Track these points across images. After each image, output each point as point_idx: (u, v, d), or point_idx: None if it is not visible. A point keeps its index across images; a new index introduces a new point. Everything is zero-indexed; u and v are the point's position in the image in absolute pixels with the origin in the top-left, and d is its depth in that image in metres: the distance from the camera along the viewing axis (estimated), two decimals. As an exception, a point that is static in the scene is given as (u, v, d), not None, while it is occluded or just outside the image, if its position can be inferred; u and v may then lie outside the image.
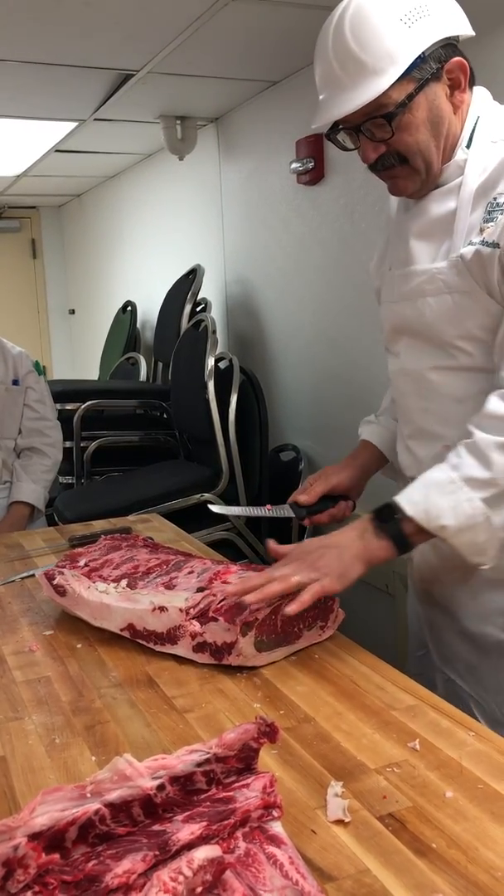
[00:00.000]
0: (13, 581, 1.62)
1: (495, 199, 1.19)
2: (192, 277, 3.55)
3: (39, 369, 2.55)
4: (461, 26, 1.21)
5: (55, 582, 1.38)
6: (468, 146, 1.24)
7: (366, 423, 1.59)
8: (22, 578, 1.63)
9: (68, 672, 1.21)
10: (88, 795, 0.74)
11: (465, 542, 1.15)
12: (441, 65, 1.19)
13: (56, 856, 0.69)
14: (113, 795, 0.74)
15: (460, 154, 1.24)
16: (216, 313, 3.59)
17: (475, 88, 1.27)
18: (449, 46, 1.20)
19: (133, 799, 0.75)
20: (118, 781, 0.76)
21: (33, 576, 1.63)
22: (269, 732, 0.83)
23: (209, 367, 2.98)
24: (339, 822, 0.82)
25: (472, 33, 1.23)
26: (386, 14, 1.15)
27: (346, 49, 1.18)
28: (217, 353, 3.06)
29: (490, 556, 1.17)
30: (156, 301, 3.98)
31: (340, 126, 1.25)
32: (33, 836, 0.69)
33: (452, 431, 1.24)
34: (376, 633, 2.70)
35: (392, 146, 1.22)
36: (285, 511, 1.47)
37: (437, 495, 1.14)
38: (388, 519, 1.17)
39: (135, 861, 0.69)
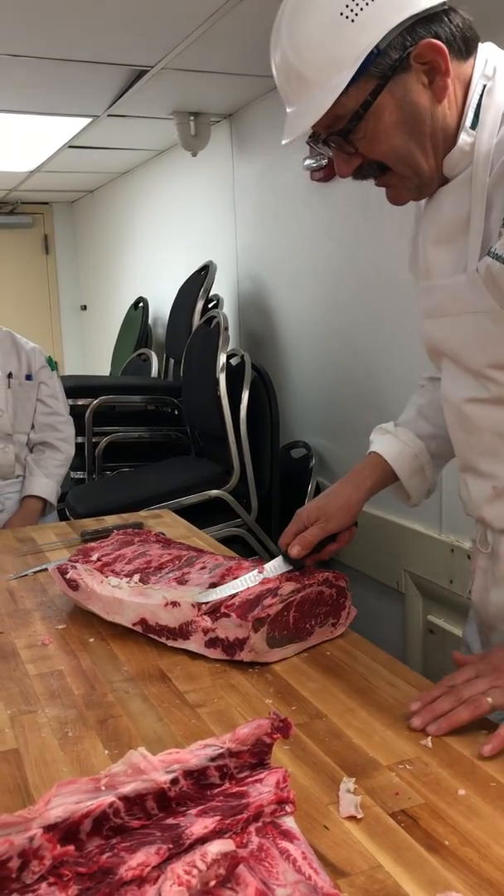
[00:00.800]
0: (26, 575, 1.63)
1: None
2: (204, 274, 3.55)
3: (52, 365, 2.56)
4: None
5: (68, 576, 1.39)
6: (474, 126, 1.00)
7: (380, 432, 1.34)
8: (35, 573, 1.64)
9: (81, 666, 1.21)
10: (103, 788, 0.75)
11: None
12: (406, 52, 0.95)
13: (71, 847, 0.70)
14: (127, 788, 0.75)
15: (464, 138, 1.00)
16: (228, 310, 3.59)
17: (480, 48, 1.02)
18: (419, 25, 0.96)
19: (147, 792, 0.76)
20: (132, 775, 0.76)
21: (46, 570, 1.64)
22: (282, 728, 0.83)
23: (221, 364, 2.98)
24: (352, 818, 0.83)
25: None
26: (323, 11, 0.95)
27: (286, 61, 1.00)
28: (229, 349, 3.06)
29: None
30: (168, 297, 3.98)
31: (312, 136, 1.05)
32: (48, 828, 0.70)
33: (501, 469, 1.10)
34: (386, 631, 2.70)
35: (367, 157, 1.03)
36: (279, 568, 1.26)
37: None
38: None
39: (149, 854, 0.69)
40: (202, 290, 3.50)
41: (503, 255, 0.95)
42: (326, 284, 2.98)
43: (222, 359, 2.99)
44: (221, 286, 3.63)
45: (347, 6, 0.93)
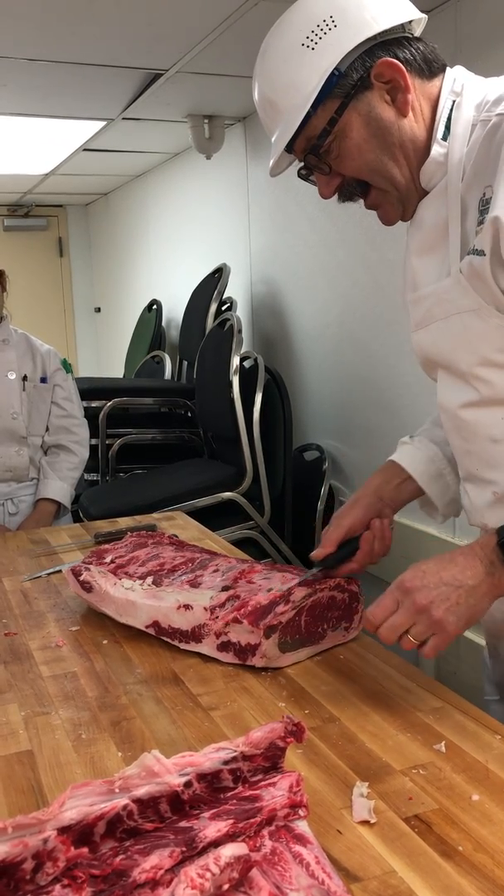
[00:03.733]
0: (40, 577, 1.64)
1: (484, 193, 1.01)
2: (217, 276, 3.56)
3: (67, 367, 2.57)
4: (388, 19, 1.04)
5: (82, 578, 1.39)
6: (445, 138, 1.06)
7: (399, 444, 1.36)
8: (48, 574, 1.65)
9: (94, 668, 1.22)
10: (117, 791, 0.75)
11: None
12: (366, 72, 1.04)
13: (85, 850, 0.70)
14: (141, 791, 0.75)
15: (437, 149, 1.06)
16: (241, 312, 3.59)
17: (448, 72, 1.09)
18: (379, 48, 1.05)
19: (161, 795, 0.76)
20: (146, 777, 0.76)
21: (60, 572, 1.64)
22: (295, 732, 0.83)
23: (234, 366, 2.98)
24: (365, 822, 0.82)
25: (410, 18, 1.06)
26: (287, 45, 1.06)
27: (261, 93, 1.11)
28: (242, 352, 3.06)
29: None
30: (181, 300, 3.99)
31: (301, 166, 1.13)
32: (62, 830, 0.70)
33: (500, 475, 1.11)
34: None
35: (345, 175, 1.10)
36: (311, 574, 1.25)
37: None
38: None
39: (162, 857, 0.69)
40: (216, 292, 3.51)
41: (483, 249, 0.99)
42: (340, 287, 2.97)
43: (236, 361, 2.99)
44: (235, 289, 3.64)
45: (307, 37, 1.04)
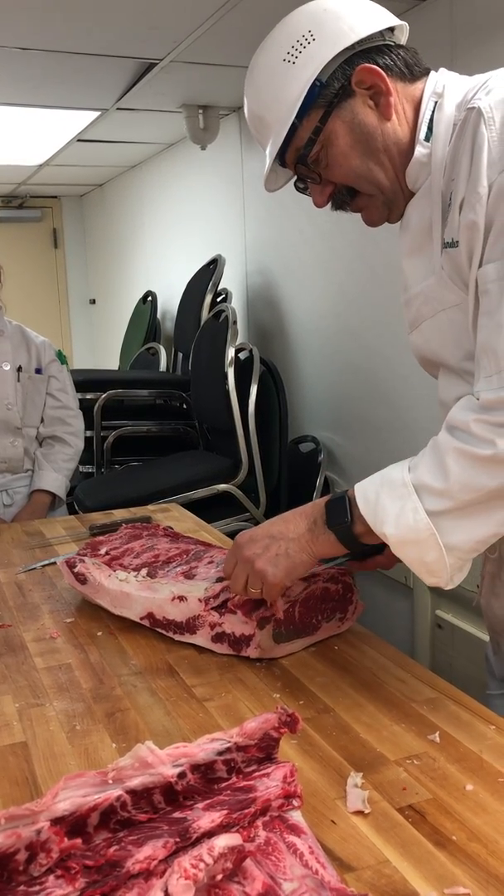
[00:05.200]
0: (34, 569, 1.64)
1: (449, 187, 1.04)
2: (213, 267, 3.55)
3: (62, 358, 2.56)
4: (364, 28, 1.08)
5: (76, 570, 1.39)
6: (428, 138, 1.08)
7: None
8: (43, 566, 1.65)
9: (89, 659, 1.21)
10: (110, 782, 0.75)
11: (412, 557, 1.00)
12: (347, 80, 1.07)
13: (78, 841, 0.70)
14: (134, 782, 0.75)
15: (420, 150, 1.09)
16: (237, 304, 3.58)
17: (432, 74, 1.12)
18: (358, 56, 1.08)
19: (154, 786, 0.76)
20: (140, 768, 0.76)
21: (54, 563, 1.64)
22: (289, 722, 0.83)
23: (229, 358, 2.98)
24: (359, 812, 0.83)
25: (388, 26, 1.10)
26: (271, 61, 1.10)
27: (250, 110, 1.15)
28: (237, 343, 3.05)
29: (444, 578, 1.00)
30: (176, 291, 3.98)
31: (297, 179, 1.18)
32: (56, 821, 0.70)
33: None
34: (395, 626, 2.70)
35: (336, 182, 1.13)
36: (338, 563, 1.22)
37: (387, 497, 1.00)
38: (343, 519, 1.04)
39: (156, 847, 0.69)
40: (211, 283, 3.49)
41: (456, 240, 1.02)
42: (335, 278, 2.97)
43: (231, 353, 2.99)
44: (230, 280, 3.63)
45: (289, 52, 1.08)
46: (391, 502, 0.99)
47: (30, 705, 1.08)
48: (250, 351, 3.11)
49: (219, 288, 3.52)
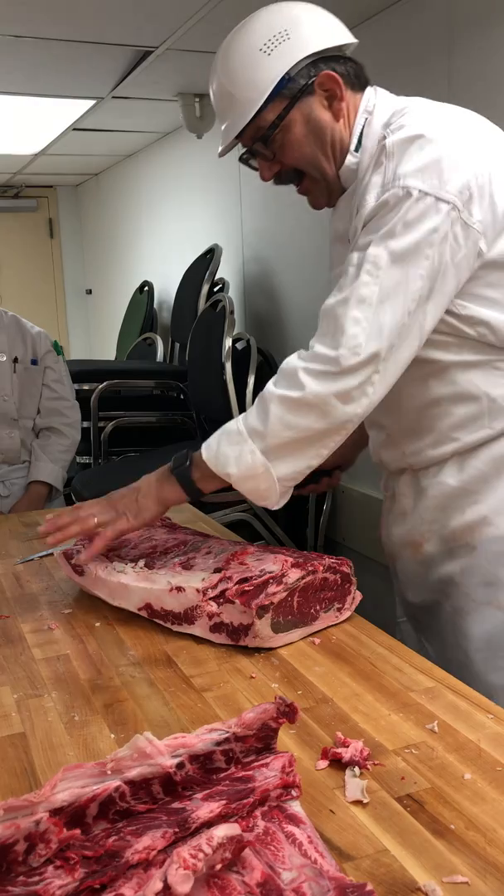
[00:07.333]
0: (32, 560, 1.63)
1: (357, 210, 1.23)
2: (209, 257, 3.54)
3: (58, 349, 2.55)
4: (330, 40, 1.26)
5: (74, 561, 1.39)
6: (357, 149, 1.28)
7: None
8: (40, 557, 1.64)
9: (87, 650, 1.21)
10: (109, 772, 0.75)
11: (249, 489, 1.23)
12: (311, 80, 1.25)
13: (77, 831, 0.70)
14: (133, 773, 0.75)
15: (350, 158, 1.28)
16: (234, 294, 3.57)
17: (368, 89, 1.30)
18: (322, 61, 1.25)
19: (153, 777, 0.76)
20: (138, 759, 0.76)
21: (52, 555, 1.64)
22: (288, 712, 0.83)
23: (226, 348, 2.97)
24: (358, 802, 0.83)
25: (347, 42, 1.28)
26: (246, 47, 1.26)
27: (220, 84, 1.30)
28: (234, 333, 3.05)
29: (273, 501, 1.24)
30: (173, 281, 3.97)
31: (245, 151, 1.34)
32: (55, 812, 0.70)
33: (389, 420, 1.35)
34: (393, 616, 2.70)
35: (284, 163, 1.31)
36: None
37: (226, 444, 1.23)
38: (182, 464, 1.29)
39: (155, 838, 0.69)
40: (208, 273, 3.48)
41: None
42: (332, 268, 2.96)
43: (228, 343, 2.98)
44: (227, 270, 3.61)
45: (265, 44, 1.24)
46: (230, 447, 1.23)
47: (28, 696, 1.08)
48: (247, 341, 3.10)
49: (216, 278, 3.51)
